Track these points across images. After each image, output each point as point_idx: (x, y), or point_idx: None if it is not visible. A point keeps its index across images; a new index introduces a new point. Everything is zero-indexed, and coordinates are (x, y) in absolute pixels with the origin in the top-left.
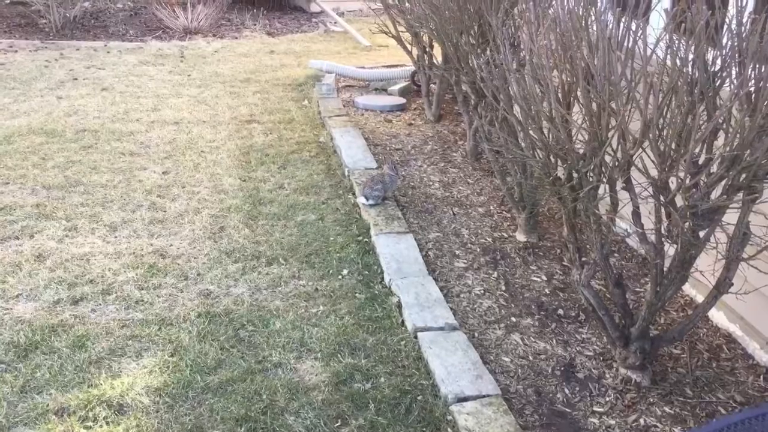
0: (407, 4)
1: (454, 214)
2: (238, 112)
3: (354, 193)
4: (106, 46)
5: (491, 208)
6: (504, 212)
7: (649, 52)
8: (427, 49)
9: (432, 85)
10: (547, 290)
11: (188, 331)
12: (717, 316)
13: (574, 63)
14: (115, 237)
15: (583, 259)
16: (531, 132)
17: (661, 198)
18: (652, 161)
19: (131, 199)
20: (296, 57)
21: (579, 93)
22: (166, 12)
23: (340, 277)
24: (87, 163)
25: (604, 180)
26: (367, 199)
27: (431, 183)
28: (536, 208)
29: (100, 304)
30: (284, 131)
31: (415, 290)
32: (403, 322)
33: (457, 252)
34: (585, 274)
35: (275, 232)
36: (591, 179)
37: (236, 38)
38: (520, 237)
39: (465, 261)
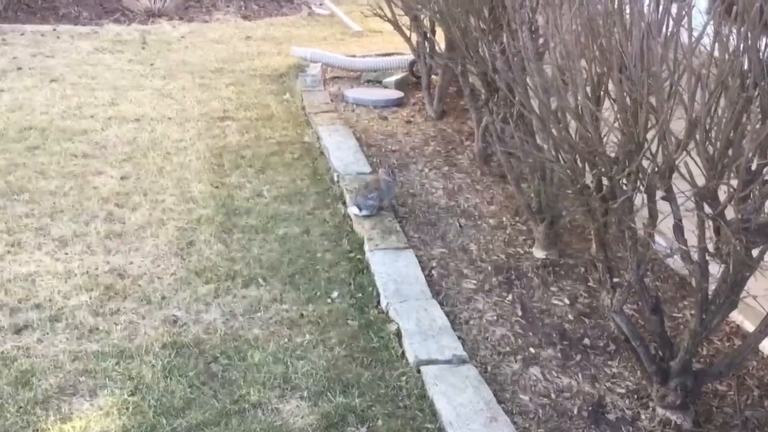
0: None
1: (461, 226)
2: (209, 108)
3: (344, 202)
4: (55, 30)
5: (504, 219)
6: (519, 224)
7: (694, 39)
8: (429, 35)
9: (434, 77)
10: (570, 316)
11: (151, 365)
12: None
13: (606, 50)
14: (66, 254)
15: (615, 280)
16: (554, 131)
17: (709, 210)
18: (699, 167)
19: (84, 209)
20: (276, 44)
21: (611, 86)
22: None
23: (329, 300)
24: (33, 167)
25: (641, 189)
26: (360, 209)
27: (434, 190)
28: (557, 220)
29: (47, 333)
30: (263, 129)
31: (417, 316)
32: (403, 353)
33: (465, 271)
34: (617, 298)
35: (253, 248)
36: (626, 188)
37: (207, 22)
38: (538, 253)
39: (475, 281)
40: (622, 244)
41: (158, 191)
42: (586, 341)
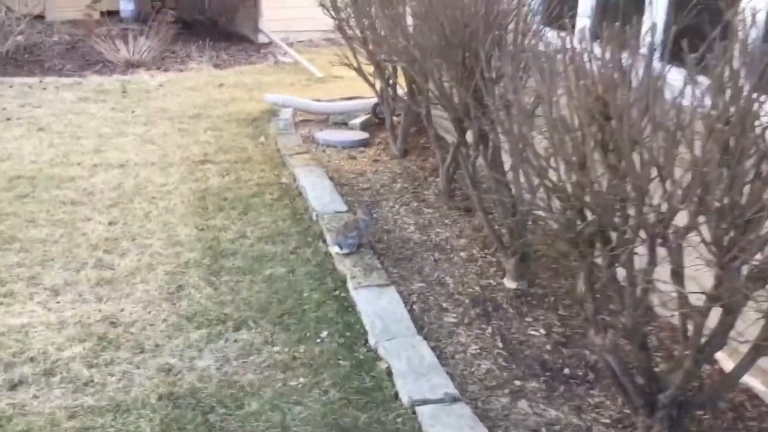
0: (371, 34)
1: (435, 260)
2: (190, 152)
3: (325, 241)
4: (41, 82)
5: (474, 251)
6: (488, 256)
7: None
8: (391, 81)
9: (394, 118)
10: (548, 346)
11: (149, 419)
12: (729, 365)
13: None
14: (58, 303)
15: (601, 318)
16: (548, 178)
17: (715, 258)
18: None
19: (75, 256)
20: (247, 90)
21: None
22: (106, 45)
23: (318, 340)
24: (23, 215)
25: (641, 237)
26: (341, 247)
27: (406, 226)
28: (527, 253)
29: (43, 388)
30: (242, 172)
31: (407, 354)
32: (396, 394)
33: (445, 305)
34: (610, 339)
35: (242, 290)
36: (627, 236)
37: (182, 71)
38: (509, 284)
39: (455, 315)
40: (614, 288)
41: (146, 236)
42: (567, 371)
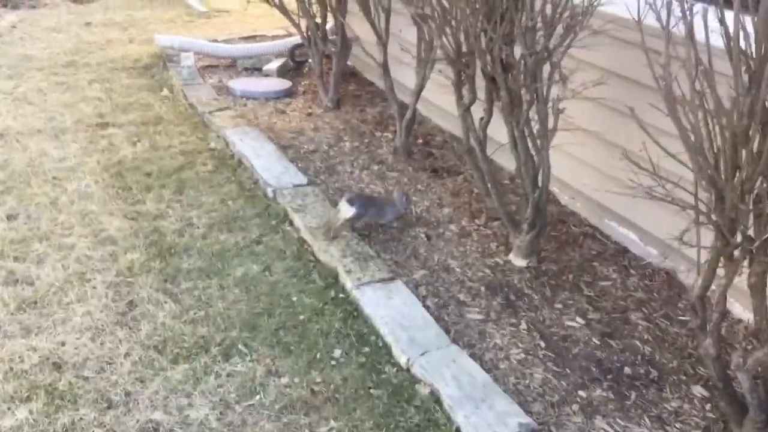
0: None
1: (428, 238)
2: (82, 113)
3: (292, 223)
4: None
5: (463, 223)
6: (481, 228)
7: None
8: (339, 18)
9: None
10: (594, 339)
11: None
12: None
13: None
14: None
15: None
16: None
17: None
18: None
19: None
20: (122, 29)
21: None
22: None
23: (333, 362)
24: None
25: None
26: (352, 204)
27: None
28: (544, 228)
29: None
30: (156, 137)
31: (450, 372)
32: (458, 430)
33: (460, 296)
34: (758, 359)
35: (214, 301)
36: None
37: (34, 7)
38: (519, 261)
39: (477, 309)
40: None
41: (62, 232)
42: (627, 370)
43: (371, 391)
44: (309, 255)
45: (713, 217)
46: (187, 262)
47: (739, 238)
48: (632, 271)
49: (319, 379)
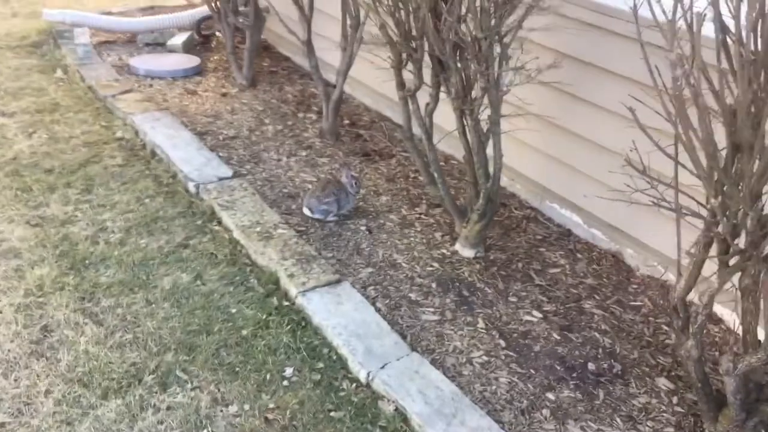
0: None
1: (369, 231)
2: None
3: (220, 221)
4: None
5: (403, 211)
6: (423, 217)
7: None
8: None
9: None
10: (554, 334)
11: None
12: None
13: None
14: None
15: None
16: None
17: None
18: None
19: None
20: (2, 2)
21: None
22: None
23: (285, 383)
24: None
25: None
26: (312, 211)
27: (309, 185)
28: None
29: None
30: (55, 126)
31: (416, 386)
32: None
33: (412, 295)
34: (750, 364)
35: (142, 320)
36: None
37: None
38: (466, 252)
39: (431, 308)
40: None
41: None
42: (591, 366)
43: (331, 414)
44: (244, 258)
45: (720, 227)
46: (105, 274)
47: (742, 244)
48: (579, 255)
49: (272, 405)
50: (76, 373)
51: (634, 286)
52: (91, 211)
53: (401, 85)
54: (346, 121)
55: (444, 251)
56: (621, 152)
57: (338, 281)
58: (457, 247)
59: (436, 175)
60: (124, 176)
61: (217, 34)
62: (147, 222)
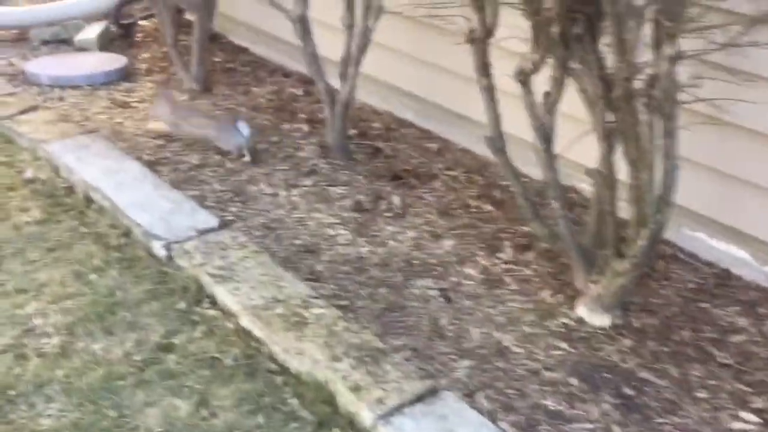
0: None
1: (447, 299)
2: None
3: (214, 302)
4: None
5: (480, 260)
6: (509, 265)
7: None
8: None
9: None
10: None
11: None
12: None
13: None
14: None
15: None
16: None
17: None
18: None
19: None
20: None
21: None
22: None
23: None
24: None
25: None
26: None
27: (333, 233)
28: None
29: None
30: None
31: None
32: None
33: (548, 402)
34: None
35: None
36: None
37: None
38: (597, 319)
39: (587, 423)
40: None
41: None
42: None
43: None
44: (267, 362)
45: None
46: (46, 413)
47: None
48: (762, 310)
49: None
50: None
51: None
52: (5, 302)
53: (484, 68)
54: (353, 131)
55: (564, 320)
56: None
57: (433, 391)
58: (582, 311)
59: (558, 205)
60: (49, 239)
61: (142, 22)
62: (99, 313)
